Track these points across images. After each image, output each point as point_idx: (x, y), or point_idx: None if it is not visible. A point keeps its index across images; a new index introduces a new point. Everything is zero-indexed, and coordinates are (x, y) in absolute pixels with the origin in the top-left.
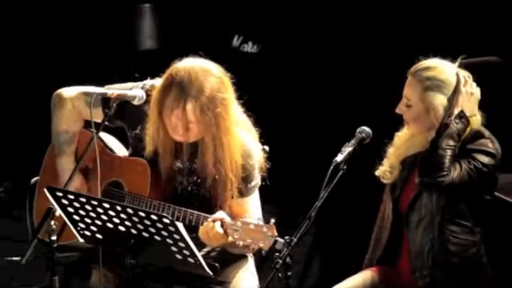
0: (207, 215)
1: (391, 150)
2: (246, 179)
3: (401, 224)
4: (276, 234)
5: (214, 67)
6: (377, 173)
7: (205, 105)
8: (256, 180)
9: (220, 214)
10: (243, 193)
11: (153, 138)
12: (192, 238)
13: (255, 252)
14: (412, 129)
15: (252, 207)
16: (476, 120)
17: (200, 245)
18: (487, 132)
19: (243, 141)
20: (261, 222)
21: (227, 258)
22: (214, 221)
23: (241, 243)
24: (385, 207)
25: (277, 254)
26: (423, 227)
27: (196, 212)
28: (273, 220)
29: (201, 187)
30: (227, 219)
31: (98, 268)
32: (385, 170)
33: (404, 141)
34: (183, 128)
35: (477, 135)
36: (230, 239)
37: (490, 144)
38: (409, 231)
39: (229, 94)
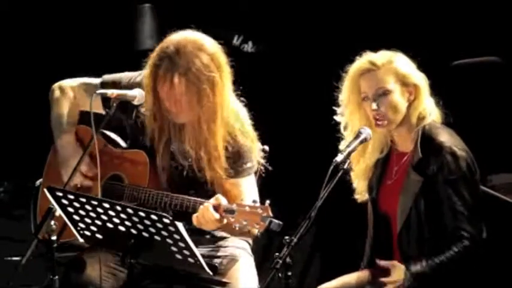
0: (203, 201)
1: (356, 169)
2: (240, 158)
3: (384, 224)
4: (271, 214)
5: (209, 43)
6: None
7: (191, 81)
8: (252, 163)
9: (216, 199)
10: (236, 174)
11: (151, 113)
12: (188, 230)
13: (255, 239)
14: (389, 123)
15: (246, 189)
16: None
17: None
18: (443, 135)
19: (240, 117)
20: (257, 204)
21: (220, 256)
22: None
23: (237, 225)
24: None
25: (277, 254)
26: (416, 248)
27: (193, 198)
28: (268, 201)
29: (196, 171)
30: (224, 202)
31: (95, 260)
32: (361, 190)
33: (362, 154)
34: (173, 100)
35: (437, 152)
36: (225, 221)
37: (458, 153)
38: (402, 251)
39: (220, 73)
